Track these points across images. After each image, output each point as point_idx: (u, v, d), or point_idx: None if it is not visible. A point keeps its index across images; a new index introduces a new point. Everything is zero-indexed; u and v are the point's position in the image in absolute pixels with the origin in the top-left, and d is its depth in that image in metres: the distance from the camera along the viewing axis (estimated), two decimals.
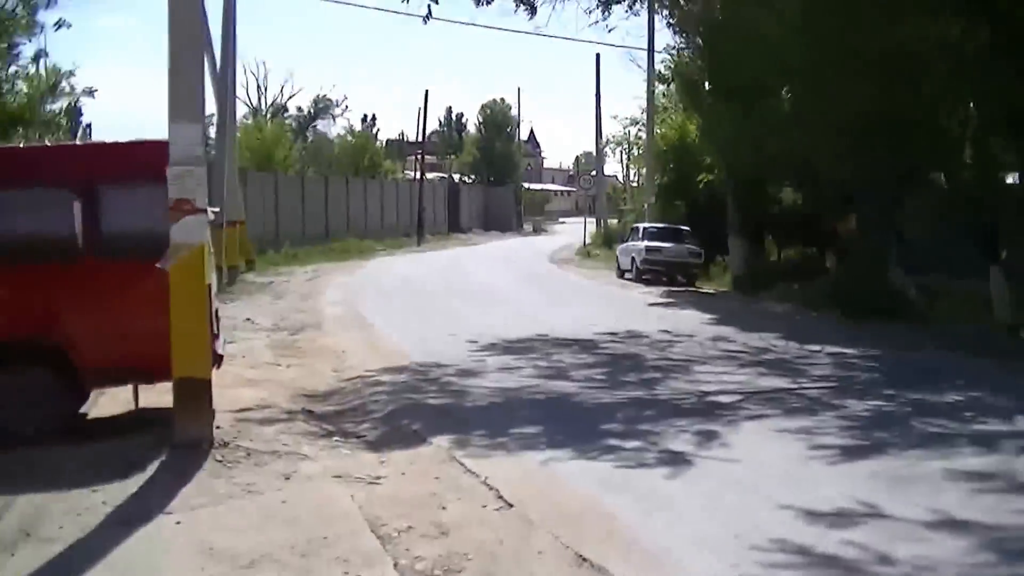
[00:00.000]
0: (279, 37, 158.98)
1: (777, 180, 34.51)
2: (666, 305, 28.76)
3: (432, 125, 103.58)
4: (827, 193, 30.35)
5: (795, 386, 14.94)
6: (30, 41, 30.36)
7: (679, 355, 18.26)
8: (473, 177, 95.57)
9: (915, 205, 27.55)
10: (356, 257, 47.60)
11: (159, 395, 11.79)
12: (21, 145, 18.78)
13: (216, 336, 11.77)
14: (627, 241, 39.03)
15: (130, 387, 12.23)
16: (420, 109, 75.21)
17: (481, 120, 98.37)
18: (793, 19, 24.65)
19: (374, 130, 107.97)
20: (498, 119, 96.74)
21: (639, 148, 54.67)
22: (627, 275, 37.51)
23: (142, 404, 12.24)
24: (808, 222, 33.65)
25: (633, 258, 36.91)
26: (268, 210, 45.64)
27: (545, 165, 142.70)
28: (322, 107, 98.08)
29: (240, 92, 79.83)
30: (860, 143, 24.86)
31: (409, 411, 13.11)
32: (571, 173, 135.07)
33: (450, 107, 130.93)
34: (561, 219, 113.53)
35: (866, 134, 24.60)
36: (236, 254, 33.32)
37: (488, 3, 22.66)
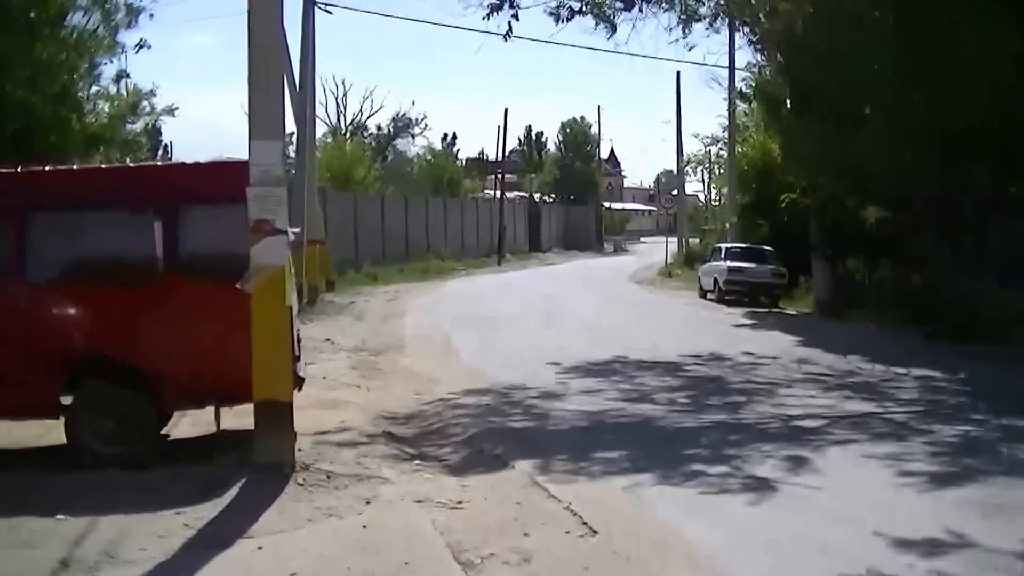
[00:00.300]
0: (359, 55, 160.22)
1: (861, 198, 34.04)
2: (749, 326, 28.48)
3: (512, 144, 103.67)
4: (913, 210, 29.92)
5: (881, 410, 14.67)
6: (111, 61, 30.75)
7: (763, 378, 18.03)
8: (553, 196, 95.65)
9: (1005, 222, 27.05)
10: (436, 277, 47.78)
11: (240, 417, 11.82)
12: (102, 165, 18.97)
13: (297, 358, 11.78)
14: (709, 261, 38.78)
15: (211, 409, 12.27)
16: (500, 127, 75.29)
17: (561, 139, 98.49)
18: (880, 33, 24.35)
19: (454, 149, 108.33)
20: (578, 138, 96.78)
21: (720, 167, 54.52)
22: (709, 296, 37.27)
23: (223, 426, 12.27)
24: (893, 240, 33.16)
25: (715, 279, 36.65)
26: (348, 229, 45.91)
27: (625, 184, 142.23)
28: (402, 126, 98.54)
29: (319, 111, 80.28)
30: (949, 158, 24.45)
31: (491, 434, 13.04)
32: (652, 192, 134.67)
33: (530, 126, 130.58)
34: (642, 238, 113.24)
35: (955, 148, 24.20)
36: (316, 274, 33.51)
37: (568, 21, 22.56)
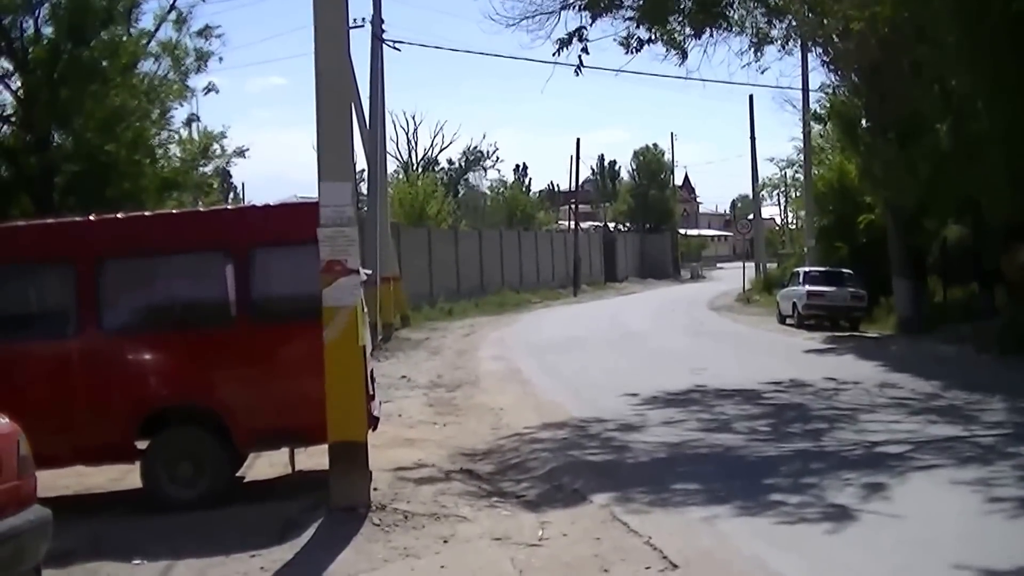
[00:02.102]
0: (428, 90, 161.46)
1: (940, 216, 33.71)
2: (830, 351, 28.23)
3: (584, 173, 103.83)
4: (994, 227, 29.58)
5: (968, 434, 14.43)
6: (182, 106, 31.28)
7: (845, 404, 17.85)
8: (628, 225, 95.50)
9: None
10: (511, 310, 47.88)
11: (315, 457, 11.90)
12: (175, 211, 19.27)
13: (372, 397, 11.86)
14: (787, 286, 38.53)
15: (286, 450, 12.37)
16: (572, 157, 75.40)
17: (634, 167, 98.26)
18: (955, 50, 24.16)
19: (526, 180, 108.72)
20: (652, 165, 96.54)
21: (797, 190, 54.10)
22: (788, 321, 37.02)
23: (299, 467, 12.37)
24: (975, 259, 32.77)
25: (794, 303, 36.38)
26: (421, 265, 46.16)
27: (701, 210, 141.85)
28: (473, 159, 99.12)
29: (390, 147, 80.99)
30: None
31: (569, 468, 13.02)
32: (728, 218, 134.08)
33: (602, 155, 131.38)
34: (719, 264, 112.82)
35: None
36: (391, 310, 33.73)
37: (637, 51, 22.55)
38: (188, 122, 32.76)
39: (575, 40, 21.10)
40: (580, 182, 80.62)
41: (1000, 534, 9.56)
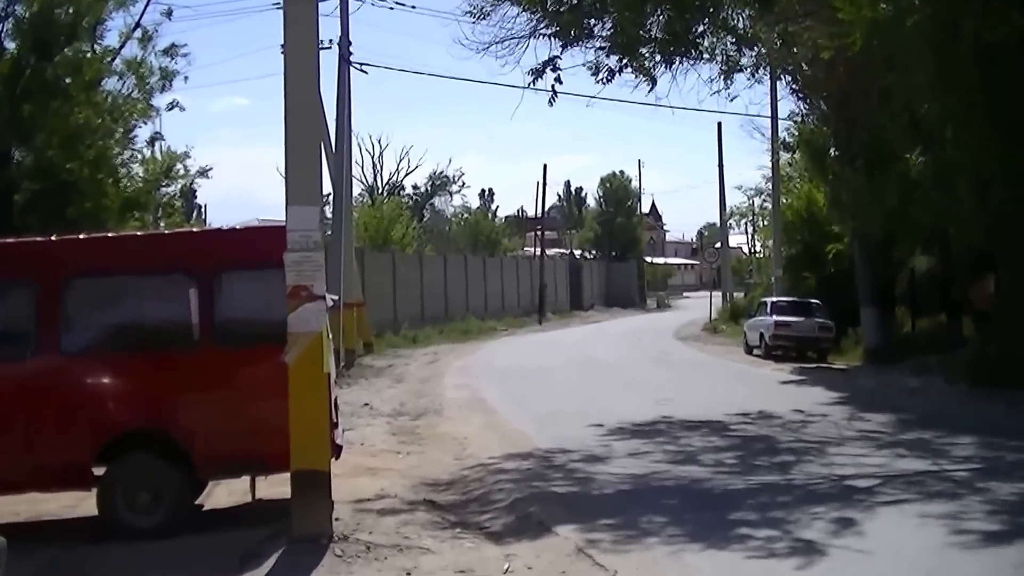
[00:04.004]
0: (395, 113, 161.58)
1: (908, 246, 33.85)
2: (798, 383, 28.33)
3: (551, 200, 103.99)
4: (962, 257, 29.80)
5: (936, 468, 14.46)
6: (145, 124, 31.15)
7: (813, 436, 17.88)
8: (594, 252, 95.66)
9: None
10: (476, 338, 47.86)
11: (277, 486, 11.83)
12: (137, 232, 19.18)
13: (335, 425, 11.80)
14: (755, 316, 38.66)
15: (247, 478, 12.28)
16: (539, 184, 75.52)
17: (601, 194, 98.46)
18: (925, 79, 24.35)
19: (492, 206, 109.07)
20: (619, 192, 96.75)
21: (765, 218, 54.36)
22: (756, 351, 37.11)
23: (259, 495, 12.29)
24: (943, 289, 32.96)
25: (761, 334, 36.50)
26: (386, 291, 46.08)
27: (668, 238, 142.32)
28: (439, 184, 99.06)
29: (355, 170, 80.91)
30: (1002, 202, 24.22)
31: (534, 500, 12.99)
32: (695, 246, 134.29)
33: (568, 181, 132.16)
34: (685, 293, 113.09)
35: (1007, 191, 24.01)
36: (354, 336, 33.62)
37: (608, 81, 22.68)
38: (151, 141, 32.67)
39: (548, 71, 21.25)
40: (547, 208, 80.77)
41: (968, 569, 9.60)
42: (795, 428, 18.91)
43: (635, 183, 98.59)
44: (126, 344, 11.69)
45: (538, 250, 72.24)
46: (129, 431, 11.46)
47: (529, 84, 21.29)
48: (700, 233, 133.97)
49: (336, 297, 24.12)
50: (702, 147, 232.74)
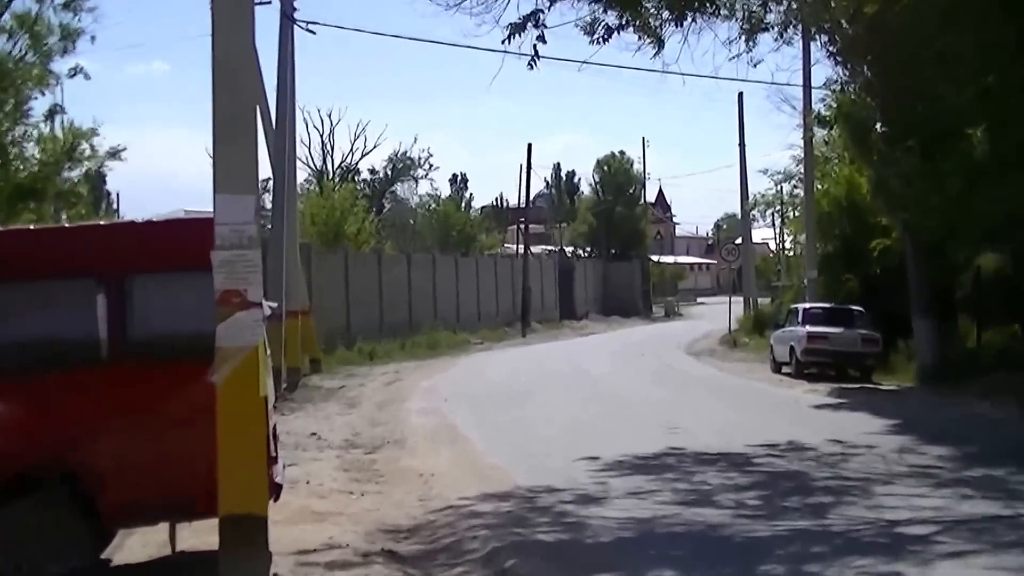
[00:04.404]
0: (349, 84, 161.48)
1: (972, 242, 33.65)
2: (836, 407, 28.35)
3: (537, 186, 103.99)
4: None
5: (1010, 512, 14.42)
6: (43, 94, 30.82)
7: (855, 473, 17.86)
8: (589, 250, 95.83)
9: None
10: (446, 353, 47.92)
11: (202, 535, 11.76)
12: (32, 226, 18.95)
13: (274, 460, 11.72)
14: (783, 326, 38.63)
15: (165, 526, 12.18)
16: (522, 167, 75.32)
17: (598, 179, 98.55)
18: (991, 40, 24.25)
19: (465, 194, 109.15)
20: (618, 177, 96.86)
21: (795, 209, 54.41)
22: (785, 369, 37.11)
23: (180, 547, 12.20)
24: (1015, 294, 32.89)
25: (792, 347, 36.48)
26: (338, 296, 46.04)
27: (678, 232, 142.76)
28: (401, 167, 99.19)
29: (301, 151, 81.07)
30: None
31: (515, 550, 12.93)
32: (710, 242, 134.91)
33: (558, 164, 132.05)
34: (699, 299, 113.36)
35: None
36: (298, 352, 33.58)
37: (605, 40, 22.50)
38: (50, 115, 32.44)
39: (529, 26, 20.97)
40: (531, 197, 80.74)
41: None
42: (833, 462, 18.88)
43: (638, 166, 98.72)
44: (15, 364, 11.38)
45: (521, 247, 72.25)
46: (19, 471, 11.23)
47: (504, 41, 20.94)
48: (717, 226, 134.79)
49: (276, 304, 24.03)
50: (719, 124, 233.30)
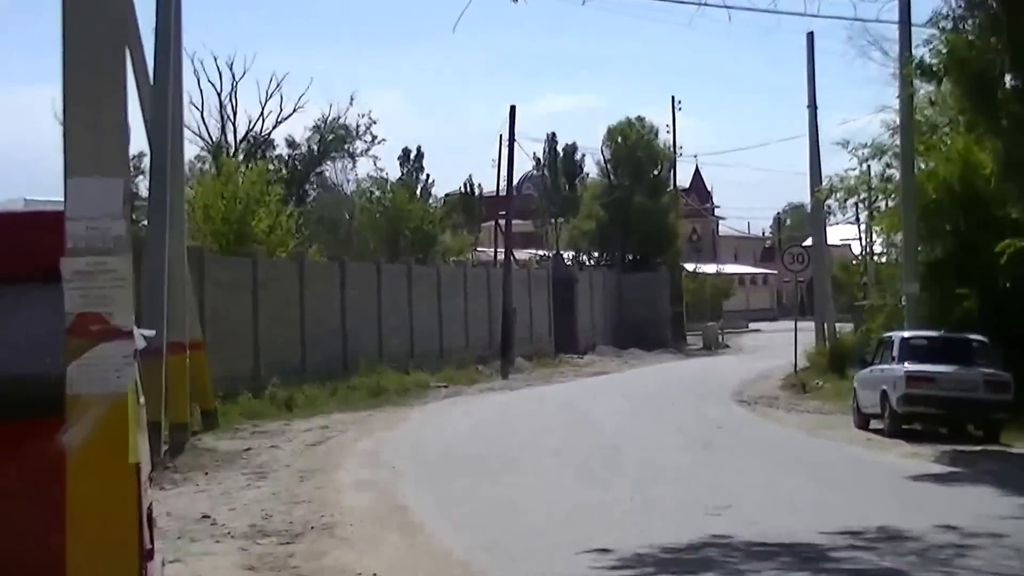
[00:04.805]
0: (258, 27, 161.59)
1: None
2: (947, 479, 28.36)
3: (524, 167, 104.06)
4: None
5: None
6: None
7: (976, 571, 17.86)
8: (597, 256, 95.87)
9: None
10: (395, 402, 48.04)
11: None
12: None
13: (148, 555, 11.63)
14: (873, 363, 38.60)
15: None
16: (502, 140, 75.23)
17: (608, 157, 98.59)
18: None
19: (422, 177, 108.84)
20: (638, 154, 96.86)
21: (889, 196, 54.32)
22: (874, 424, 37.13)
23: None
24: None
25: (884, 394, 36.41)
26: (241, 321, 46.05)
27: (722, 231, 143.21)
28: (332, 139, 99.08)
29: (191, 117, 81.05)
30: None
31: None
32: (768, 244, 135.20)
33: (552, 135, 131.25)
34: (752, 325, 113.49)
35: None
36: (186, 401, 33.54)
37: None
38: None
39: None
40: (516, 182, 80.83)
41: None
42: (945, 558, 18.89)
43: (666, 138, 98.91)
44: None
45: (501, 252, 72.30)
46: None
47: None
48: (777, 222, 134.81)
49: (153, 333, 23.98)
50: (779, 77, 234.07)
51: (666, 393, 51.51)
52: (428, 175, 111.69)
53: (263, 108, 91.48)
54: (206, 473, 29.13)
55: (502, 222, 74.87)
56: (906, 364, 35.76)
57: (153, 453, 14.98)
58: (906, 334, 38.35)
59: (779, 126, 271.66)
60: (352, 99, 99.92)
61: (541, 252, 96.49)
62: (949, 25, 36.59)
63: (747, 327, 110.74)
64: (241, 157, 79.03)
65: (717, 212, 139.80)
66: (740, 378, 58.41)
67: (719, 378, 59.34)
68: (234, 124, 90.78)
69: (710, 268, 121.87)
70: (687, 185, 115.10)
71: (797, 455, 32.88)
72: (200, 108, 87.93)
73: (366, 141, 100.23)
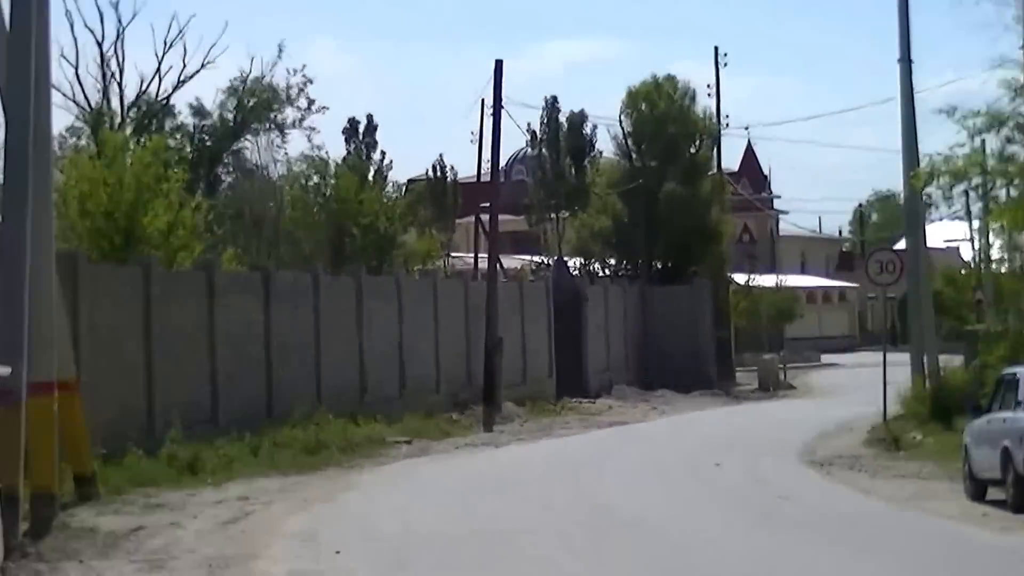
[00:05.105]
0: None
1: None
2: None
3: (513, 142, 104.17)
4: None
5: None
6: None
7: None
8: (614, 263, 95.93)
9: None
10: (340, 463, 47.96)
11: None
12: None
13: None
14: (990, 410, 38.51)
15: None
16: (485, 106, 75.25)
17: (629, 128, 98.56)
18: None
19: (375, 156, 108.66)
20: (668, 124, 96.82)
21: (1011, 181, 54.26)
22: (993, 493, 36.99)
23: None
24: None
25: (1007, 452, 36.27)
26: (129, 352, 45.88)
27: (783, 230, 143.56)
28: (254, 106, 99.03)
29: (60, 72, 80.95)
30: None
31: None
32: (846, 247, 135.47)
33: (553, 99, 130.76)
34: (823, 356, 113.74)
35: None
36: (53, 463, 33.37)
37: None
38: None
39: None
40: (507, 162, 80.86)
41: None
42: None
43: (707, 103, 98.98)
44: None
45: (484, 258, 72.32)
46: None
47: None
48: (859, 217, 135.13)
49: (8, 371, 23.95)
50: (858, 26, 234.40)
51: (709, 451, 51.45)
52: (384, 155, 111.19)
53: (160, 63, 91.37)
54: (81, 561, 29.03)
55: (485, 218, 74.73)
56: None
57: (7, 535, 14.86)
58: None
59: (860, 89, 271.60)
60: (280, 51, 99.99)
61: (538, 258, 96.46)
62: None
63: (819, 360, 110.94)
64: (130, 130, 79.00)
65: (777, 204, 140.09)
66: (810, 431, 58.46)
67: (781, 431, 59.43)
68: (120, 85, 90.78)
69: (768, 280, 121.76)
70: (736, 168, 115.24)
71: (887, 538, 32.81)
72: (74, 63, 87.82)
73: (300, 108, 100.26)
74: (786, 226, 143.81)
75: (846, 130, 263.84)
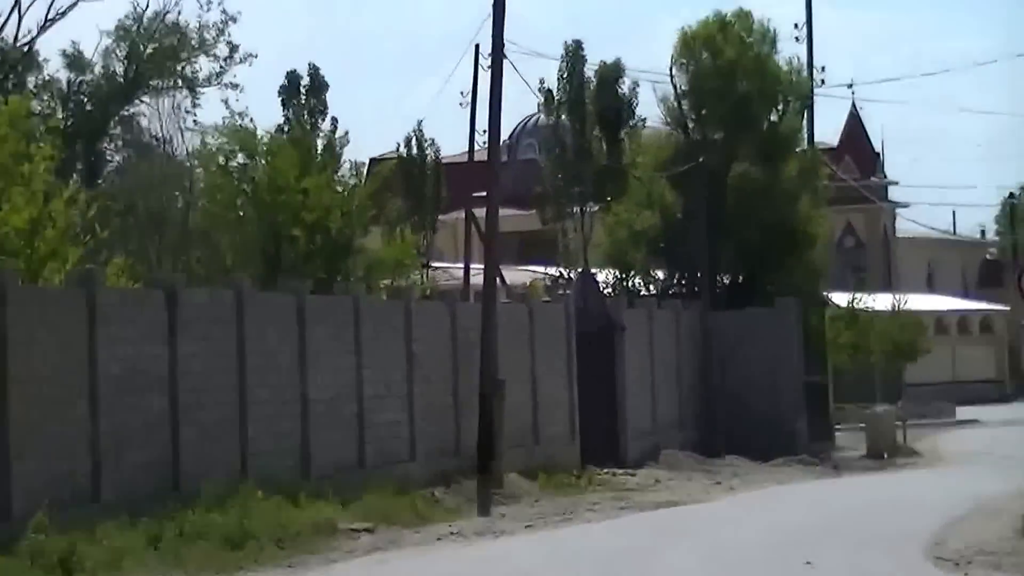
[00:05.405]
0: None
1: None
2: None
3: (519, 107, 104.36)
4: None
5: None
6: None
7: None
8: (662, 276, 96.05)
9: None
10: (273, 560, 47.70)
11: None
12: None
13: None
14: None
15: None
16: (479, 54, 75.55)
17: (683, 85, 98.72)
18: None
19: (325, 127, 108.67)
20: (736, 79, 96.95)
21: None
22: None
23: None
24: None
25: None
26: None
27: (902, 229, 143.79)
28: (152, 55, 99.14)
29: None
30: None
31: None
32: (992, 253, 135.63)
33: (577, 43, 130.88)
34: (959, 409, 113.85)
35: None
36: None
37: None
38: None
39: None
40: (508, 136, 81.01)
41: None
42: None
43: (793, 51, 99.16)
44: None
45: (478, 270, 72.46)
46: None
47: None
48: (1011, 211, 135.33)
49: None
50: None
51: (797, 544, 51.39)
52: (336, 123, 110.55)
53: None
54: None
55: (480, 213, 74.91)
56: None
57: None
58: None
59: (1010, 34, 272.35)
60: None
61: (555, 270, 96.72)
62: None
63: (953, 415, 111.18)
64: None
65: (893, 194, 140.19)
66: (940, 515, 58.46)
67: (899, 515, 59.51)
68: None
69: (881, 301, 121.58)
70: (835, 142, 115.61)
71: None
72: None
73: (217, 58, 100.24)
74: (906, 224, 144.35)
75: (991, 90, 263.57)
